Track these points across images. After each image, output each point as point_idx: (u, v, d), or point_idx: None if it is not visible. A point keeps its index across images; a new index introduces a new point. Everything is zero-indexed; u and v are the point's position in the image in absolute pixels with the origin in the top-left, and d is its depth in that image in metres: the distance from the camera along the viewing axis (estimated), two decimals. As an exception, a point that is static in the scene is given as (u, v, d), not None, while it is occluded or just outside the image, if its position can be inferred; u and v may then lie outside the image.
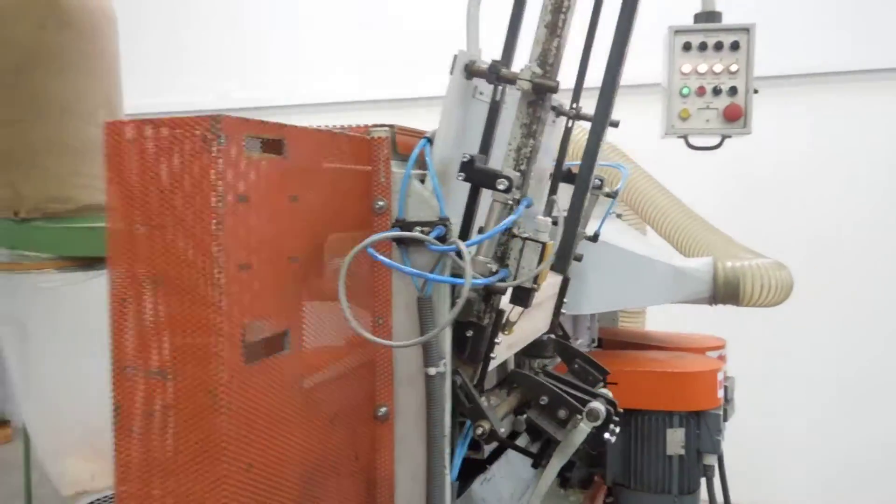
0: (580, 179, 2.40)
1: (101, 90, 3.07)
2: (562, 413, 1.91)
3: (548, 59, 1.62)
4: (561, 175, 2.44)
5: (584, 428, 1.96)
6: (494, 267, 1.64)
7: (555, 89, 1.60)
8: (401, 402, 1.67)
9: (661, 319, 4.07)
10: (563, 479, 3.08)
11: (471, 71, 1.64)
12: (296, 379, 1.37)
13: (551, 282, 2.36)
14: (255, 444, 1.25)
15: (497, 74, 1.62)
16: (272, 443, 1.29)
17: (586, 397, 2.03)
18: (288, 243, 1.34)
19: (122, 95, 3.21)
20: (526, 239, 1.67)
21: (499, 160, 1.74)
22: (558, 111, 2.41)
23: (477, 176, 1.60)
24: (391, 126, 1.64)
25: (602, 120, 2.36)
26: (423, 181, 1.65)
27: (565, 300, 2.45)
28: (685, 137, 3.79)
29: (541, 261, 1.66)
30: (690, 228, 3.58)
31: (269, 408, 1.28)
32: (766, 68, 3.74)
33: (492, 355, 1.77)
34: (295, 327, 1.38)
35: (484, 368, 1.77)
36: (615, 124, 2.43)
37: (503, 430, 1.72)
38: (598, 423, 1.97)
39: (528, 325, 2.19)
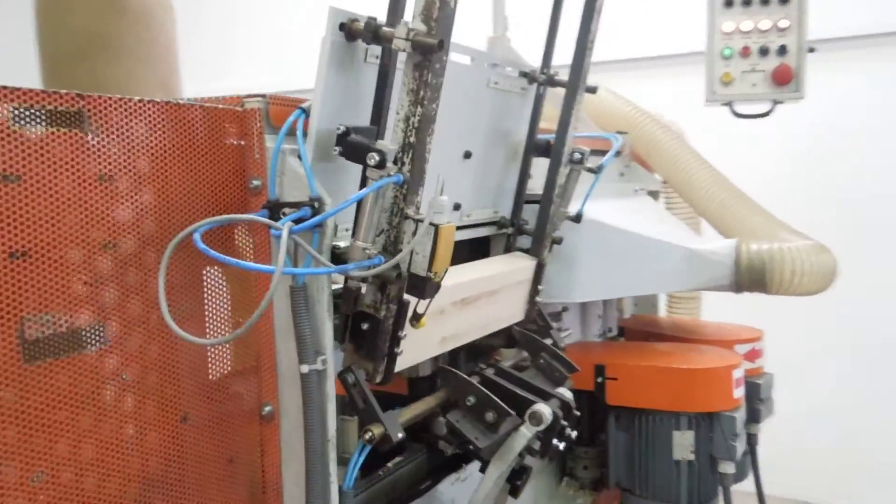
0: (554, 152, 2.15)
1: (157, 75, 3.08)
2: (489, 416, 1.70)
3: (431, 13, 1.40)
4: (534, 148, 2.20)
5: (524, 432, 1.75)
6: (372, 252, 1.45)
7: (434, 48, 1.38)
8: (285, 401, 1.52)
9: (723, 308, 3.67)
10: (573, 477, 2.85)
11: (348, 30, 1.44)
12: (116, 377, 1.24)
13: (521, 266, 2.14)
14: (50, 450, 1.13)
15: (374, 33, 1.43)
16: (79, 448, 1.17)
17: (532, 398, 1.80)
18: (99, 228, 1.21)
19: (179, 80, 3.21)
20: (418, 221, 1.47)
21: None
22: (531, 77, 2.17)
23: (348, 150, 1.42)
24: (264, 96, 1.48)
25: (575, 85, 2.11)
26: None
27: (540, 286, 2.22)
28: (730, 104, 3.42)
29: (435, 245, 1.46)
30: (732, 206, 3.20)
31: (70, 410, 1.16)
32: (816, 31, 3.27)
33: (397, 350, 1.58)
34: (118, 320, 1.25)
35: (389, 365, 1.59)
36: (591, 90, 2.17)
37: (401, 435, 1.53)
38: (542, 427, 1.75)
39: (482, 315, 1.98)
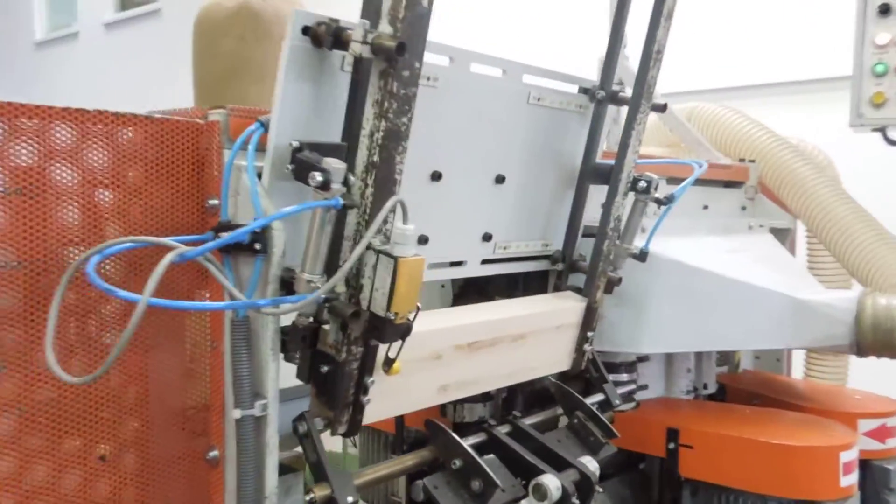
0: (612, 179, 1.86)
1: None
2: (475, 485, 1.44)
3: (398, 13, 1.20)
4: (592, 174, 1.92)
5: (527, 509, 1.48)
6: (318, 284, 1.26)
7: (394, 52, 1.18)
8: (230, 447, 1.37)
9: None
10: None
11: (313, 34, 1.27)
12: (12, 407, 1.14)
13: (564, 307, 1.86)
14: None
15: (335, 37, 1.24)
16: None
17: (543, 467, 1.53)
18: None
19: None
20: (379, 252, 1.26)
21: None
22: (591, 94, 1.90)
23: (297, 168, 1.24)
24: (225, 107, 1.34)
25: (638, 102, 1.81)
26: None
27: (590, 333, 1.92)
28: (882, 130, 2.90)
29: (394, 281, 1.24)
30: (873, 250, 2.70)
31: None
32: None
33: (364, 399, 1.38)
34: (16, 346, 1.15)
35: (355, 415, 1.39)
36: (659, 107, 1.86)
37: (350, 500, 1.32)
38: (547, 503, 1.47)
39: (505, 362, 1.73)
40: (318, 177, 1.19)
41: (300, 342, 1.30)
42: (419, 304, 1.32)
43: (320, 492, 1.30)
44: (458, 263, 1.78)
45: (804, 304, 2.18)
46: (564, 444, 1.72)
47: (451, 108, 1.59)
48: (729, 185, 2.95)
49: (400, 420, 2.51)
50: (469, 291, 2.24)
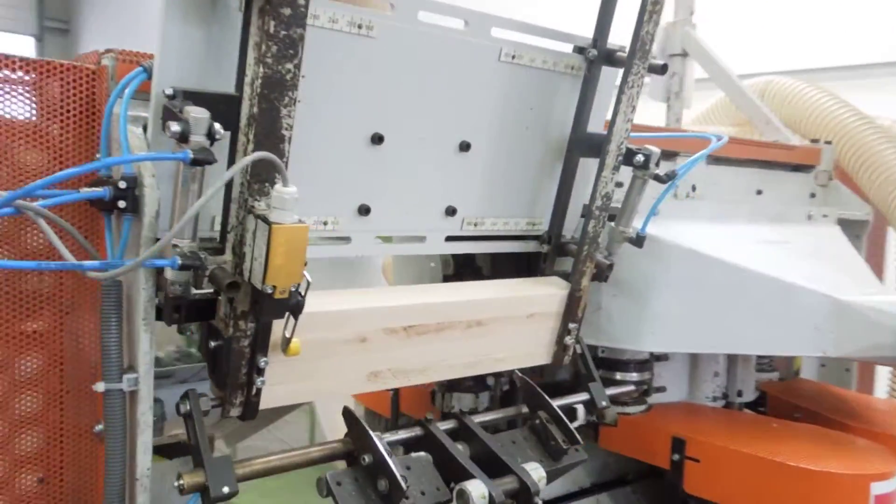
0: (602, 151, 1.63)
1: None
2: (382, 484, 1.28)
3: (273, -60, 1.04)
4: (581, 145, 1.70)
5: (444, 516, 1.31)
6: (182, 249, 1.13)
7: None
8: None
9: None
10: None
11: (194, -28, 1.13)
12: None
13: (539, 294, 1.66)
14: None
15: (209, -29, 1.10)
16: None
17: (474, 472, 1.35)
18: None
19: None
20: (258, 217, 1.12)
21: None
22: (585, 54, 1.67)
23: (164, 118, 1.11)
24: (114, 51, 1.23)
25: (631, 63, 1.57)
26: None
27: (573, 325, 1.70)
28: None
29: (269, 248, 1.09)
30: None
31: None
32: None
33: (257, 380, 1.24)
34: None
35: (250, 397, 1.26)
36: (657, 69, 1.61)
37: (226, 490, 1.19)
38: (472, 513, 1.29)
39: (461, 351, 1.55)
40: (174, 126, 1.05)
41: (172, 312, 1.17)
42: (308, 278, 1.17)
43: (191, 479, 1.17)
44: (418, 239, 1.61)
45: (847, 306, 1.87)
46: (519, 447, 1.52)
47: (393, 63, 1.41)
48: (797, 168, 2.61)
49: (396, 404, 2.38)
50: (465, 273, 2.07)
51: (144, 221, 1.15)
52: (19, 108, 1.21)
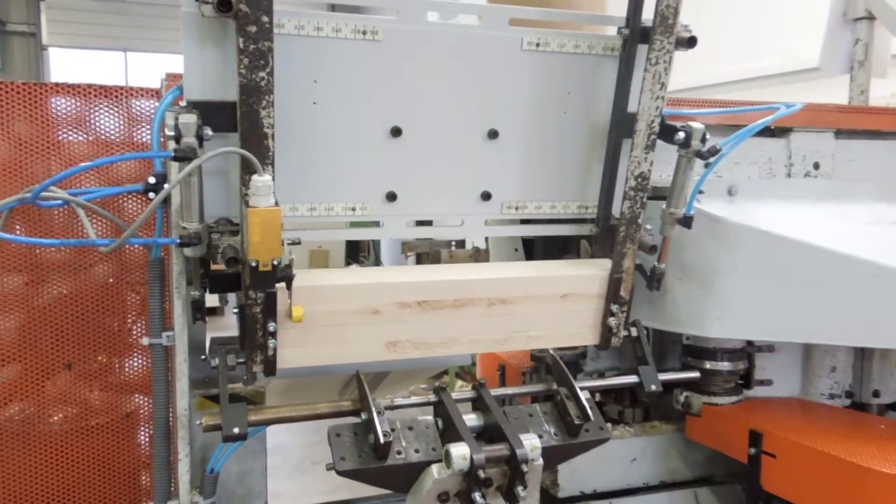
0: (636, 131, 1.63)
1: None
2: (371, 438, 1.43)
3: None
4: (624, 125, 1.70)
5: (432, 472, 1.44)
6: (188, 230, 1.38)
7: (219, 7, 1.23)
8: (174, 371, 1.57)
9: None
10: None
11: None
12: (-11, 315, 1.50)
13: (577, 275, 1.70)
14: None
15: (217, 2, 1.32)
16: None
17: (466, 435, 1.45)
18: (-24, 190, 1.47)
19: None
20: (244, 203, 1.34)
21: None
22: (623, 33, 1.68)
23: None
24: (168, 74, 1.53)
25: (653, 35, 1.55)
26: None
27: (615, 307, 1.69)
28: None
29: (248, 227, 1.31)
30: None
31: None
32: None
33: (270, 343, 1.47)
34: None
35: (267, 357, 1.49)
36: (685, 42, 1.57)
37: (237, 431, 1.42)
38: (451, 472, 1.41)
39: (486, 327, 1.65)
40: (169, 131, 1.31)
41: (201, 279, 1.44)
42: (291, 256, 1.37)
43: (210, 420, 1.43)
44: (455, 223, 1.73)
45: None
46: (535, 420, 1.58)
47: (403, 62, 1.55)
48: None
49: (502, 379, 2.49)
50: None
51: (171, 209, 1.44)
52: (112, 122, 1.58)
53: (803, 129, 2.05)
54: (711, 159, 1.61)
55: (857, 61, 2.93)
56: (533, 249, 2.08)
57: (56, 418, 1.56)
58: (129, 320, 1.62)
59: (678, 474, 2.11)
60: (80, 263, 1.58)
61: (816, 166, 2.07)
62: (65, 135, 1.56)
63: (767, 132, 2.02)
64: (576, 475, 1.94)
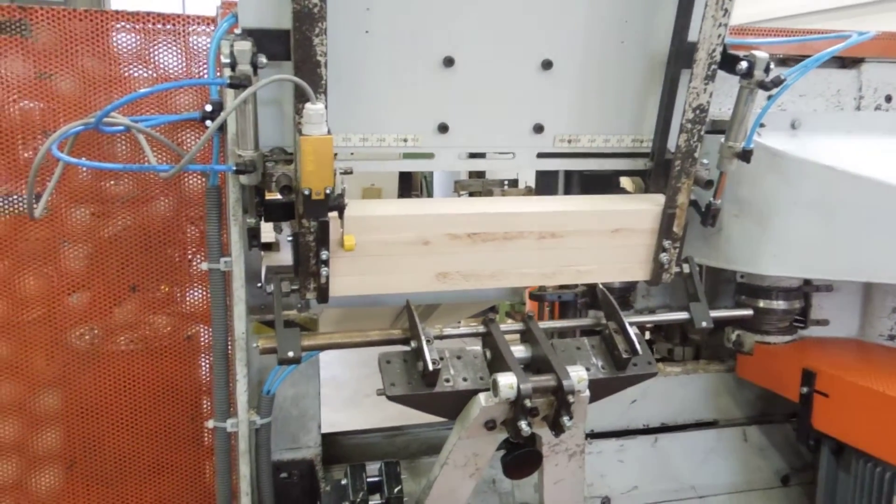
0: (697, 58, 1.58)
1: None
2: (420, 366, 1.47)
3: None
4: (683, 56, 1.65)
5: (479, 400, 1.47)
6: (243, 158, 1.40)
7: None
8: (235, 297, 1.62)
9: None
10: None
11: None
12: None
13: (627, 210, 1.68)
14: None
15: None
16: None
17: (512, 366, 1.48)
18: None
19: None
20: (297, 131, 1.36)
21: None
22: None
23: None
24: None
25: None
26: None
27: (668, 243, 1.67)
28: None
29: (301, 156, 1.33)
30: None
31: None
32: None
33: (322, 270, 1.51)
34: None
35: (320, 284, 1.52)
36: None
37: (291, 354, 1.47)
38: (498, 400, 1.44)
39: (536, 259, 1.65)
40: (224, 58, 1.33)
41: (256, 207, 1.48)
42: (343, 185, 1.39)
43: (266, 343, 1.48)
44: (507, 155, 1.72)
45: None
46: (582, 353, 1.59)
47: (458, -11, 1.53)
48: None
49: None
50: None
51: (228, 138, 1.46)
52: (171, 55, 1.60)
53: (876, 60, 1.96)
54: (775, 90, 1.56)
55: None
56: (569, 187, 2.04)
57: (122, 339, 1.64)
58: (190, 252, 1.68)
59: (728, 412, 2.11)
60: (143, 196, 1.63)
61: (889, 99, 1.99)
62: (126, 67, 1.59)
63: (837, 63, 1.94)
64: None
